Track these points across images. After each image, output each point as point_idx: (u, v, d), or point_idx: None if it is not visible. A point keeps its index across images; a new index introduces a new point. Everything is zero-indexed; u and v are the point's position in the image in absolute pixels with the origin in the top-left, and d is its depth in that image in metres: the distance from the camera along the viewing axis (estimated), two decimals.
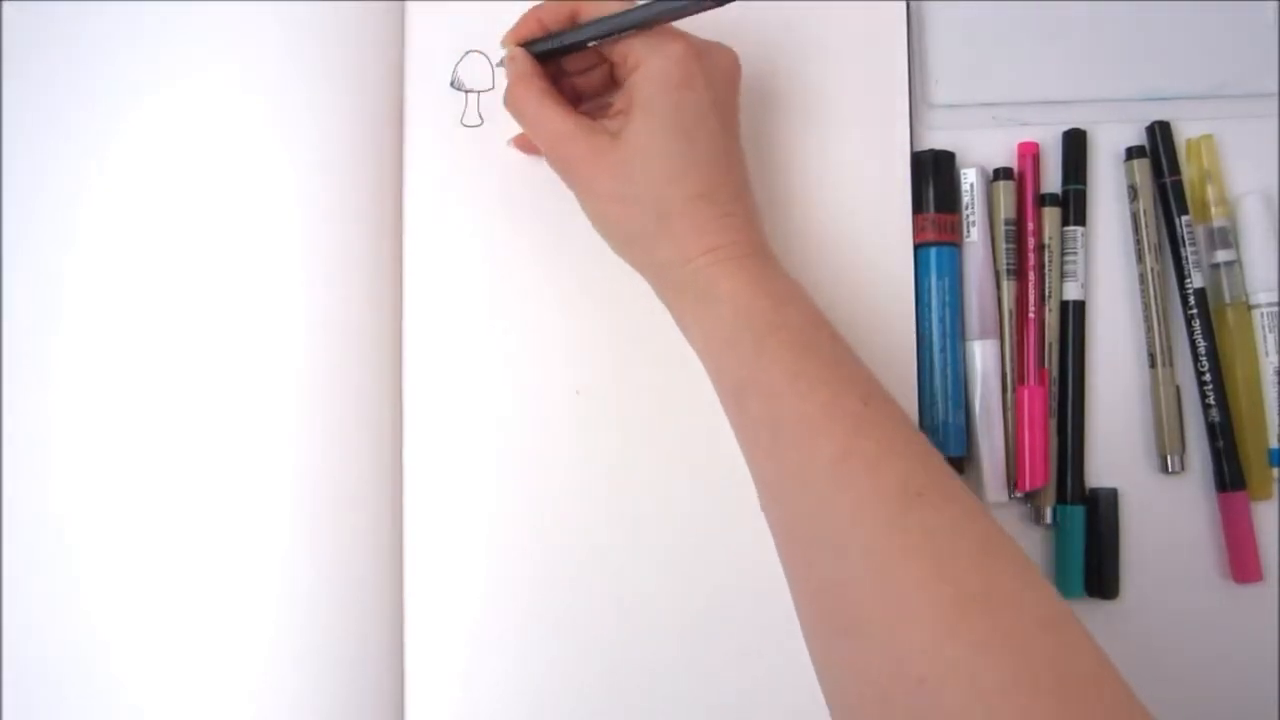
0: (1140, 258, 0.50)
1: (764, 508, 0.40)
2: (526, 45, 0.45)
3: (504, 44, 0.46)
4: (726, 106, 0.43)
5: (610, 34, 0.43)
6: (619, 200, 0.42)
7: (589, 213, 0.44)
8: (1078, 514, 0.48)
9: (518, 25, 0.45)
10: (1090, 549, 0.48)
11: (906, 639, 0.34)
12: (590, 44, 0.44)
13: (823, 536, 0.37)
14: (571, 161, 0.43)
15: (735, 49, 0.45)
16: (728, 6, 0.40)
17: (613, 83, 0.46)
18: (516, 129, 0.49)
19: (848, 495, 0.37)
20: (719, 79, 0.43)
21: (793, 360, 0.39)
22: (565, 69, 0.46)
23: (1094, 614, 0.48)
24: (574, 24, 0.44)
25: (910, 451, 0.38)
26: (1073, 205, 0.50)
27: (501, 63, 0.46)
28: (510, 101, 0.45)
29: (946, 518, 0.36)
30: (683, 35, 0.42)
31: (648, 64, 0.42)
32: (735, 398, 0.41)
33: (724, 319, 0.41)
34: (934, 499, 0.36)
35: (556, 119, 0.43)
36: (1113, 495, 0.49)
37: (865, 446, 0.37)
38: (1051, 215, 0.50)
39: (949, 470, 0.38)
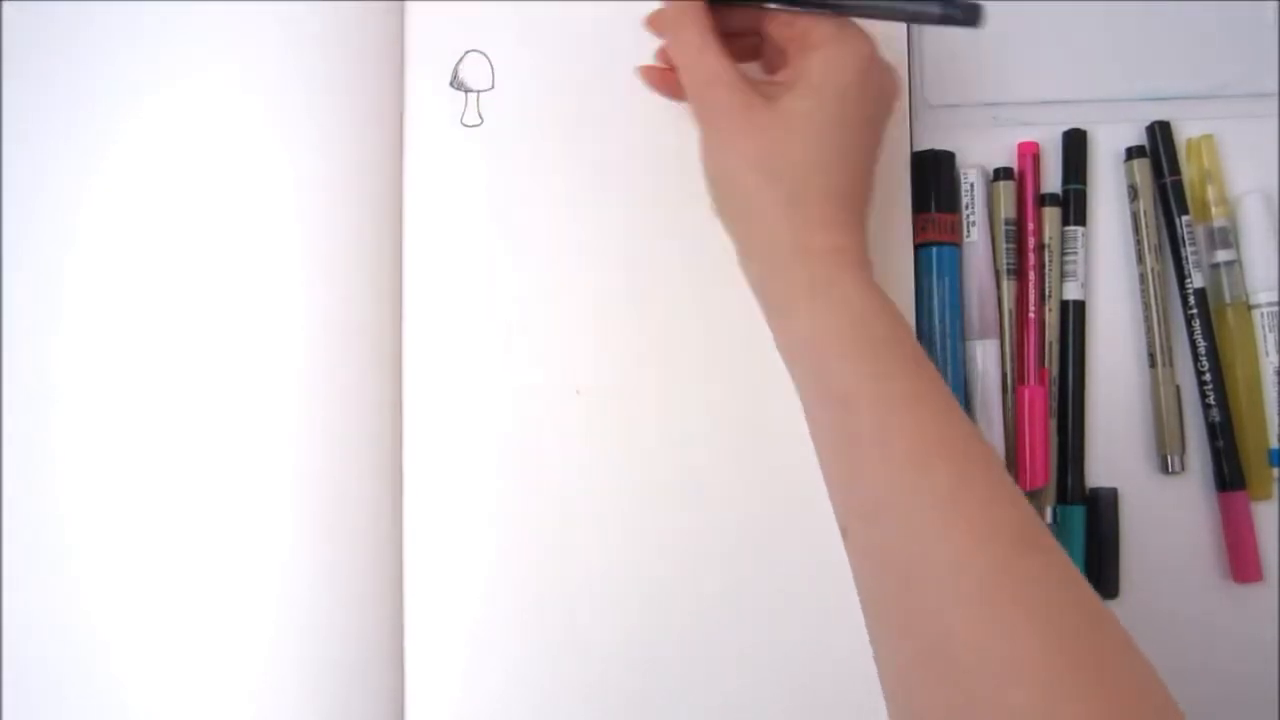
0: (1140, 258, 0.50)
1: (849, 523, 0.38)
2: None
3: None
4: (880, 124, 0.42)
5: (804, 4, 0.40)
6: (756, 167, 0.40)
7: (714, 169, 0.41)
8: (1078, 514, 0.49)
9: None
10: (1090, 549, 0.48)
11: (1010, 696, 0.33)
12: (772, 5, 0.41)
13: (927, 567, 0.35)
14: (721, 109, 0.40)
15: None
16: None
17: (756, 57, 0.44)
18: (516, 130, 0.49)
19: (959, 531, 0.35)
20: (883, 96, 0.41)
21: (908, 379, 0.37)
22: (724, 26, 0.43)
23: None
24: None
25: (1019, 501, 0.36)
26: (1073, 205, 0.50)
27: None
28: (671, 23, 0.42)
29: (1055, 575, 0.34)
30: (868, 36, 0.41)
31: (832, 48, 0.40)
32: (841, 406, 0.38)
33: (842, 322, 0.38)
34: (1042, 554, 0.35)
35: (716, 59, 0.41)
36: (1113, 495, 0.49)
37: (977, 485, 0.36)
38: (1051, 215, 0.50)
39: (1048, 529, 0.37)
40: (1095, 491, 0.49)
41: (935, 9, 0.38)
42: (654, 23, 0.43)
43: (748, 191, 0.40)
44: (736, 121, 0.40)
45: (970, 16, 0.38)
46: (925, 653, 0.35)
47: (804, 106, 0.39)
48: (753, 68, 0.45)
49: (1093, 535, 0.48)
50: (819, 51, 0.40)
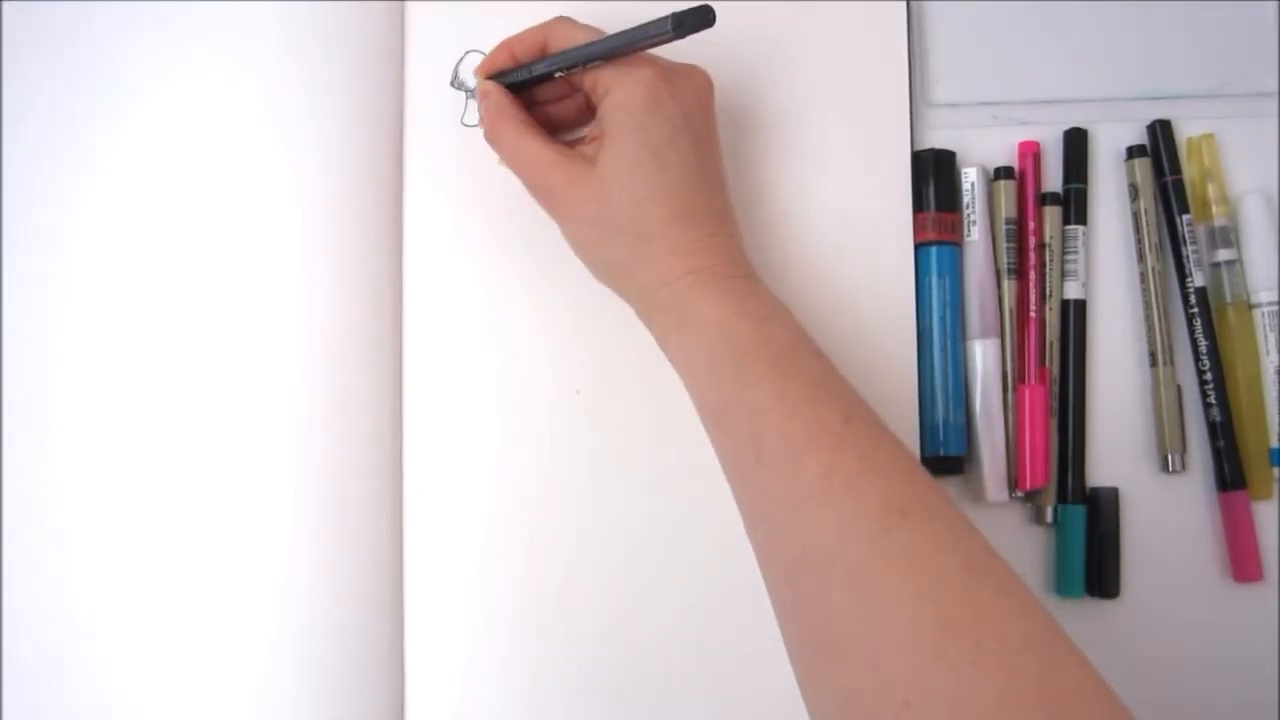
0: (1141, 257, 0.50)
1: (748, 529, 0.40)
2: (499, 77, 0.46)
3: (476, 75, 0.47)
4: (700, 126, 0.43)
5: (575, 65, 0.43)
6: (597, 226, 0.43)
7: (570, 240, 0.45)
8: (1078, 513, 0.48)
9: (489, 57, 0.46)
10: (1091, 548, 0.48)
11: (890, 662, 0.34)
12: (557, 75, 0.44)
13: (805, 556, 0.37)
14: (550, 189, 0.43)
15: (737, 50, 0.45)
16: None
17: (588, 110, 0.46)
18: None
19: (830, 514, 0.36)
20: (689, 99, 0.43)
21: (774, 380, 0.39)
22: (538, 99, 0.47)
23: (1094, 614, 0.48)
24: (543, 54, 0.45)
25: (894, 469, 0.37)
26: (1073, 204, 0.50)
27: (458, 86, 0.48)
28: (488, 134, 0.45)
29: (930, 536, 0.35)
30: (651, 59, 0.43)
31: (615, 91, 0.42)
32: (718, 419, 0.41)
33: (705, 341, 0.40)
34: (918, 517, 0.36)
35: (534, 148, 0.44)
36: (1113, 495, 0.49)
37: (848, 464, 0.37)
38: (1052, 214, 0.50)
39: (935, 487, 0.37)
40: (1096, 491, 0.49)
41: (667, 26, 0.39)
42: (485, 138, 0.46)
43: (601, 250, 0.43)
44: (568, 195, 0.43)
45: (702, 20, 0.39)
46: (814, 639, 0.37)
47: (615, 153, 0.42)
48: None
49: (1093, 535, 0.48)
50: (607, 99, 0.43)
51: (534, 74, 0.45)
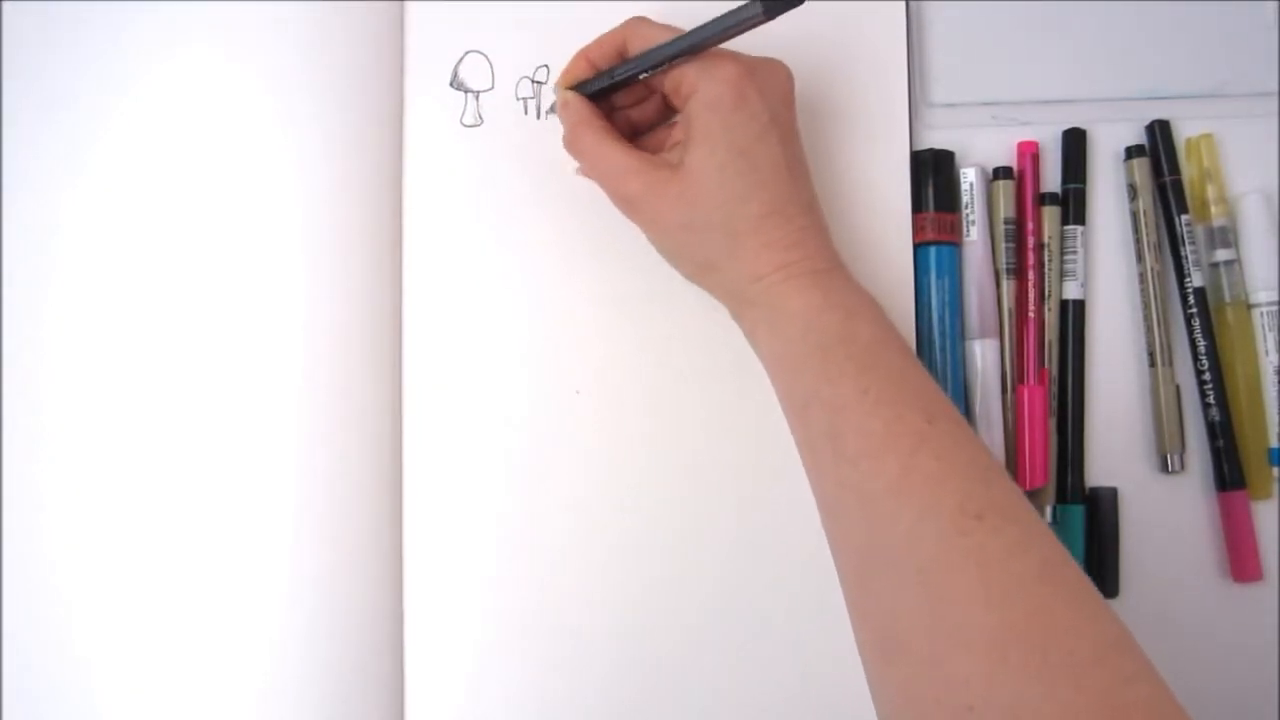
0: (1140, 257, 0.50)
1: (823, 524, 0.40)
2: (578, 87, 0.46)
3: (556, 87, 0.46)
4: (784, 121, 0.43)
5: (659, 65, 0.42)
6: (687, 229, 0.42)
7: (657, 245, 0.45)
8: (1077, 513, 0.48)
9: (568, 68, 0.46)
10: (1090, 548, 0.48)
11: (955, 666, 0.33)
12: (642, 77, 0.44)
13: (879, 556, 0.37)
14: (634, 197, 0.43)
15: (737, 50, 0.45)
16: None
17: (668, 111, 0.47)
18: (513, 130, 0.50)
19: (905, 513, 0.36)
20: (773, 94, 0.42)
21: (859, 375, 0.39)
22: (617, 104, 0.47)
23: None
24: (622, 58, 0.45)
25: (973, 472, 0.37)
26: (1072, 204, 0.50)
27: (553, 108, 0.47)
28: (569, 144, 0.45)
29: (1004, 541, 0.35)
30: (733, 56, 0.42)
31: (701, 90, 0.42)
32: (799, 412, 0.40)
33: (794, 335, 0.40)
34: (993, 521, 0.35)
35: (616, 156, 0.43)
36: (1112, 495, 0.49)
37: (926, 465, 0.37)
38: (1051, 214, 0.50)
39: (1014, 491, 0.37)
40: (1095, 491, 0.49)
41: (758, 10, 0.38)
42: (566, 147, 0.46)
43: (692, 252, 0.44)
44: (654, 202, 0.43)
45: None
46: (881, 636, 0.36)
47: (703, 155, 0.41)
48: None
49: (1093, 535, 0.48)
50: (693, 98, 0.42)
51: (616, 79, 0.44)
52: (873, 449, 0.37)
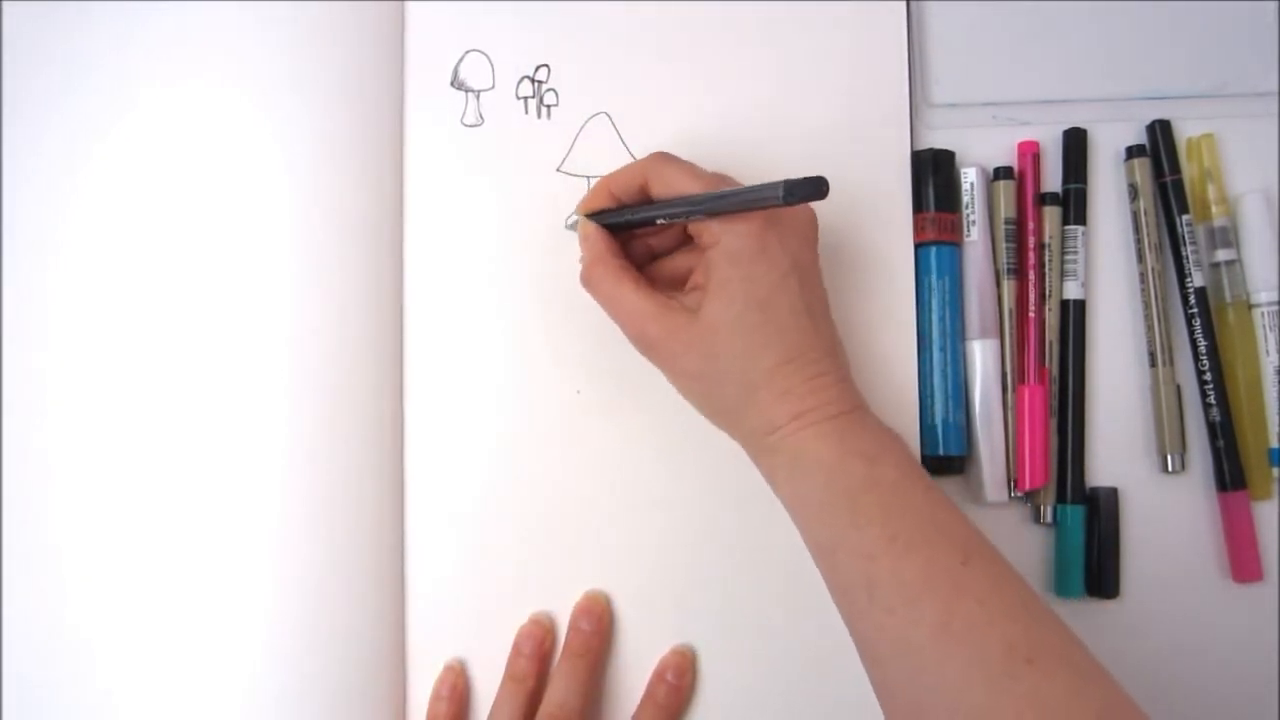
0: (1140, 257, 0.50)
1: (864, 664, 0.39)
2: (597, 216, 0.46)
3: (577, 213, 0.47)
4: (805, 264, 0.42)
5: (678, 218, 0.43)
6: (703, 377, 0.42)
7: (676, 386, 0.44)
8: (1077, 514, 0.49)
9: (589, 196, 0.46)
10: (1090, 548, 0.48)
11: None
12: (659, 223, 0.44)
13: (927, 702, 0.36)
14: (652, 341, 0.43)
15: (737, 50, 0.45)
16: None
17: (687, 239, 0.46)
18: (514, 129, 0.50)
19: (952, 663, 0.36)
20: (795, 240, 0.42)
21: (887, 521, 0.38)
22: (636, 232, 0.46)
23: (1094, 614, 0.48)
24: (644, 195, 0.44)
25: (1017, 613, 0.37)
26: (1073, 204, 0.50)
27: (573, 226, 0.47)
28: (586, 280, 0.45)
29: (1060, 686, 0.35)
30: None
31: (722, 243, 0.41)
32: (829, 558, 0.40)
33: (815, 484, 0.40)
34: (1046, 665, 0.35)
35: (634, 298, 0.43)
36: (1113, 495, 0.49)
37: (968, 609, 0.36)
38: (1052, 214, 0.50)
39: (1062, 630, 0.37)
40: (1095, 491, 0.49)
41: (778, 194, 0.38)
42: (582, 281, 0.45)
43: (707, 399, 0.43)
44: (670, 346, 0.42)
45: (814, 191, 0.38)
46: None
47: (720, 306, 0.41)
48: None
49: (1093, 535, 0.48)
50: (713, 250, 0.42)
51: (634, 220, 0.44)
52: (909, 597, 0.37)
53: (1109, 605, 0.48)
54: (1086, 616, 0.47)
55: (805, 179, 0.38)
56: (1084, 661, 0.36)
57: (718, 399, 0.43)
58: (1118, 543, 0.48)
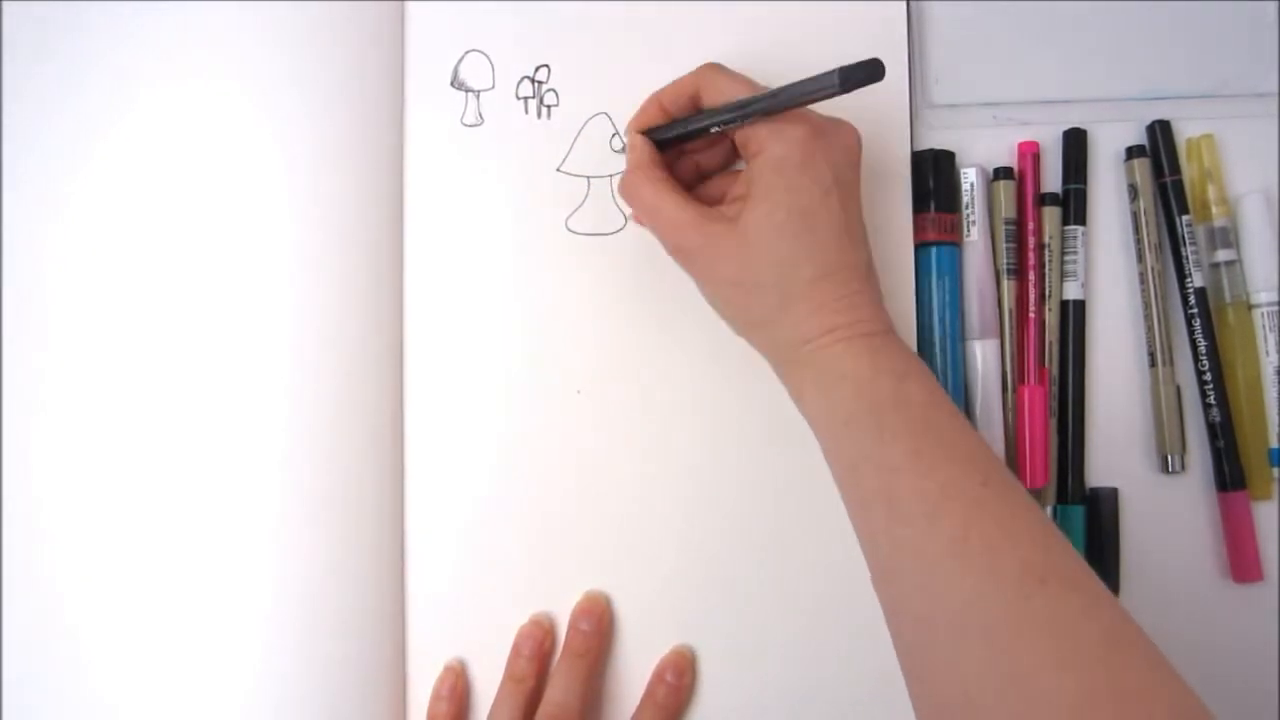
0: (1140, 257, 0.50)
1: (875, 583, 0.40)
2: (649, 132, 0.46)
3: (627, 130, 0.47)
4: (848, 183, 0.43)
5: (730, 122, 0.42)
6: (739, 286, 0.42)
7: (708, 296, 0.44)
8: (1077, 513, 0.49)
9: (640, 112, 0.46)
10: (1091, 548, 0.48)
11: None
12: (712, 130, 0.43)
13: (939, 617, 0.36)
14: (689, 249, 0.43)
15: (737, 50, 0.45)
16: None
17: (736, 156, 0.46)
18: (514, 129, 0.50)
19: (967, 577, 0.36)
20: (840, 157, 0.42)
21: (912, 437, 0.38)
22: (686, 148, 0.47)
23: None
24: (695, 107, 0.45)
25: (1032, 535, 0.37)
26: (1073, 204, 0.50)
27: (622, 150, 0.48)
28: (625, 188, 0.45)
29: (1071, 606, 0.35)
30: (804, 116, 0.42)
31: (768, 150, 0.41)
32: (851, 473, 0.40)
33: (844, 397, 0.40)
34: (1057, 586, 0.35)
35: (672, 207, 0.43)
36: (1113, 495, 0.49)
37: (985, 527, 0.36)
38: (1051, 215, 0.50)
39: (1074, 555, 0.37)
40: (1096, 491, 0.49)
41: (834, 82, 0.38)
42: (620, 191, 0.46)
43: (742, 309, 0.43)
44: (708, 255, 0.42)
45: (870, 74, 0.38)
46: (948, 704, 0.36)
47: (762, 214, 0.41)
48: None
49: (1093, 535, 0.48)
50: (760, 156, 0.42)
51: (685, 130, 0.44)
52: (928, 510, 0.37)
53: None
54: None
55: (860, 63, 0.38)
56: (1094, 585, 0.36)
57: (753, 308, 0.42)
58: (1118, 542, 0.48)
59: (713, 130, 0.43)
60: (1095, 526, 0.48)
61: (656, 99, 0.46)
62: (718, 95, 0.43)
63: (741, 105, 0.42)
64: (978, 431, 0.40)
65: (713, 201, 0.45)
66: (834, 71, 0.38)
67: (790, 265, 0.41)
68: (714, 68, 0.44)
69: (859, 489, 0.40)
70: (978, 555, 0.36)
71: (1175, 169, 0.50)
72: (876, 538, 0.39)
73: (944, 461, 0.38)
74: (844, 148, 0.43)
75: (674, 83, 0.45)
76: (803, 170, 0.41)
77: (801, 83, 0.40)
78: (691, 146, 0.47)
